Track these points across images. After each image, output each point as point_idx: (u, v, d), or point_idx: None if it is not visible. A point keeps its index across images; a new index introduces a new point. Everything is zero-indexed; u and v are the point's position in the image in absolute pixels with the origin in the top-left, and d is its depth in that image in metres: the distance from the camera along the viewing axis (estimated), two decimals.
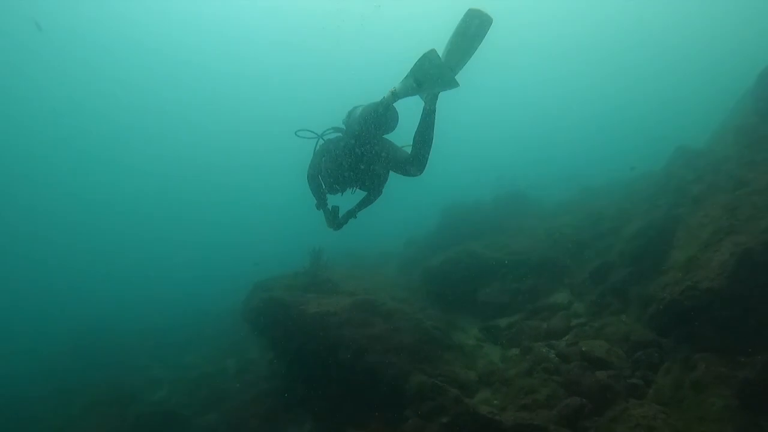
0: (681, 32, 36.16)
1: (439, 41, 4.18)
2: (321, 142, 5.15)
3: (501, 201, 13.88)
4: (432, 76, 4.13)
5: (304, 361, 7.77)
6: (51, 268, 32.62)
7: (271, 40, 45.37)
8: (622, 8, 37.25)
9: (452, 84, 4.16)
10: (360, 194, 5.20)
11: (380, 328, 7.52)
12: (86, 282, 31.31)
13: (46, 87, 41.31)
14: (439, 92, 4.34)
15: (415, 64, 4.12)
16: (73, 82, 42.51)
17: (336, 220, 5.08)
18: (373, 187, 5.05)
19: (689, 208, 7.30)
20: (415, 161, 4.62)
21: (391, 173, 4.97)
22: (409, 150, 4.74)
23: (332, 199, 5.17)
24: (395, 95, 4.46)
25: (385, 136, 4.99)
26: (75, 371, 14.40)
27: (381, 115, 4.59)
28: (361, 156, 4.69)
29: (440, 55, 4.02)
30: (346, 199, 5.16)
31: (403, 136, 4.97)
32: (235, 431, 8.51)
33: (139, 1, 37.94)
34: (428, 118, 4.43)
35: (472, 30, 3.98)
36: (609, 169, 16.36)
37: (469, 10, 3.95)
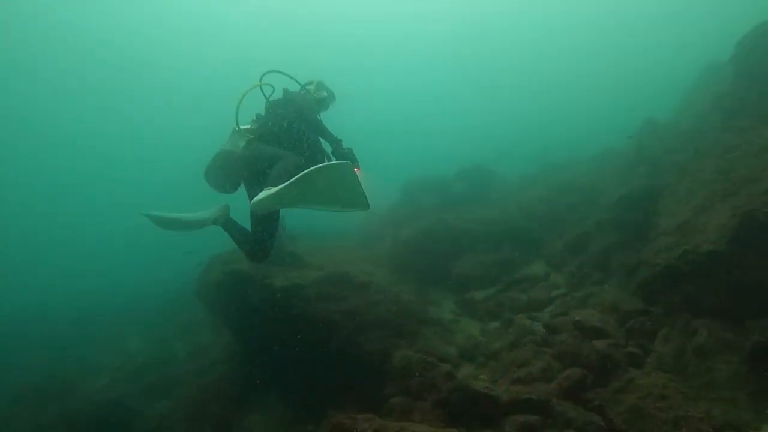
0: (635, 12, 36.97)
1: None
2: None
3: (465, 174, 13.47)
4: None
5: (268, 339, 7.06)
6: None
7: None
8: None
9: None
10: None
11: (354, 302, 6.92)
12: (12, 269, 29.00)
13: None
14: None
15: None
16: None
17: None
18: None
19: (674, 175, 7.14)
20: None
21: None
22: None
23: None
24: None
25: None
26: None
27: None
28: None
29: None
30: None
31: None
32: (191, 419, 7.67)
33: None
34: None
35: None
36: (570, 146, 16.37)
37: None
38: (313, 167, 3.36)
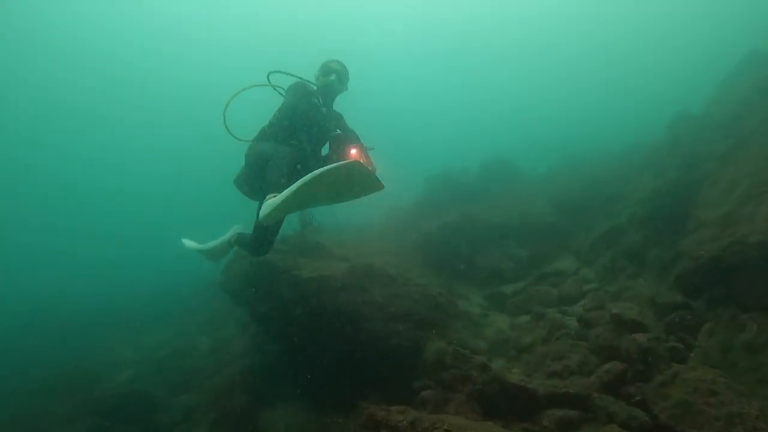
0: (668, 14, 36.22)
1: None
2: None
3: (489, 168, 13.26)
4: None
5: (295, 330, 6.98)
6: None
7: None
8: None
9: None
10: None
11: (381, 294, 6.80)
12: (32, 261, 29.50)
13: None
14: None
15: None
16: None
17: None
18: None
19: (714, 165, 6.86)
20: None
21: None
22: None
23: None
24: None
25: None
26: (26, 354, 13.09)
27: None
28: None
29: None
30: None
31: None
32: (215, 410, 7.65)
33: None
34: None
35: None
36: (594, 142, 16.00)
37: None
38: (317, 171, 3.23)
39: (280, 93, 5.15)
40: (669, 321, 5.53)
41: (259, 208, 4.09)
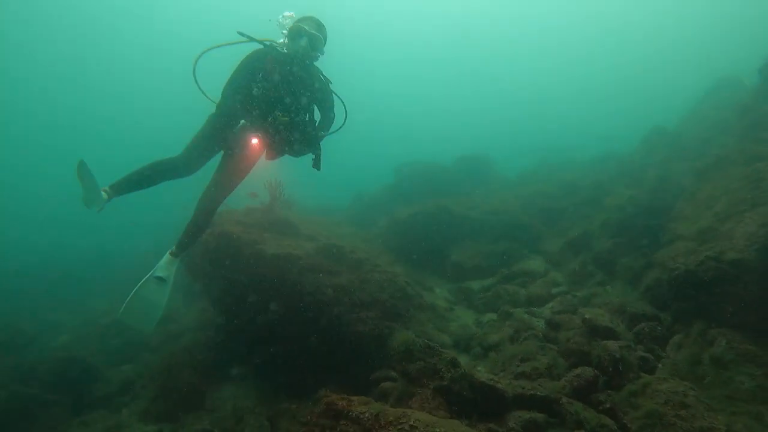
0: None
1: None
2: None
3: (464, 162, 13.12)
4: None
5: (251, 310, 6.58)
6: None
7: None
8: None
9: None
10: None
11: (348, 278, 6.49)
12: None
13: None
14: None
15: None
16: None
17: None
18: None
19: (691, 180, 6.89)
20: None
21: None
22: None
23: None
24: None
25: None
26: None
27: None
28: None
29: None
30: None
31: None
32: (157, 385, 7.17)
33: None
34: None
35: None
36: (568, 149, 16.17)
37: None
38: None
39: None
40: (638, 331, 5.48)
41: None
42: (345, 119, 5.16)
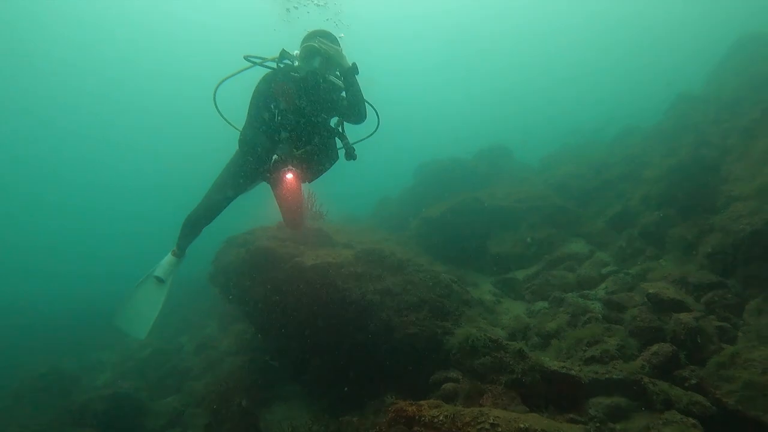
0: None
1: None
2: None
3: (485, 155, 12.87)
4: None
5: (295, 324, 6.40)
6: None
7: None
8: None
9: None
10: None
11: (391, 282, 6.27)
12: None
13: None
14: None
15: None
16: None
17: None
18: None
19: (738, 140, 6.56)
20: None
21: None
22: None
23: None
24: None
25: None
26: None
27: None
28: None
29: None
30: None
31: None
32: (207, 412, 7.00)
33: None
34: None
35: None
36: (586, 129, 15.82)
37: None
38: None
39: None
40: (707, 300, 5.17)
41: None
42: (378, 125, 5.07)
